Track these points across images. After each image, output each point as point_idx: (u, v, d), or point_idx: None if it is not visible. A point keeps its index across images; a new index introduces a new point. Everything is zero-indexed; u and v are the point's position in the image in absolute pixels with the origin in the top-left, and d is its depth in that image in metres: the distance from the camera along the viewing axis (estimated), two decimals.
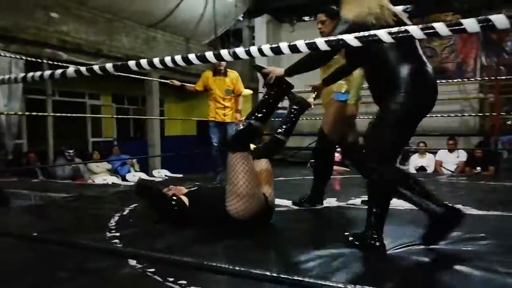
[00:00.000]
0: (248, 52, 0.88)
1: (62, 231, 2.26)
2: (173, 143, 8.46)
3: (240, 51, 0.89)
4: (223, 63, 4.20)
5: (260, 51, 0.88)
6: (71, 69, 1.09)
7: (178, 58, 1.00)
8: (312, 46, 0.84)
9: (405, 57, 1.76)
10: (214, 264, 0.85)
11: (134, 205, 2.92)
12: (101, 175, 6.03)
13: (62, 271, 1.62)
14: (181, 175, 5.81)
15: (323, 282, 0.67)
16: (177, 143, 8.43)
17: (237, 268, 0.78)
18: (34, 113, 3.67)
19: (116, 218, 2.51)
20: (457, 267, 1.60)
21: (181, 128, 10.04)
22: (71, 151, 5.72)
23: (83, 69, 1.04)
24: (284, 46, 0.86)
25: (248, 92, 5.86)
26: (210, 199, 2.25)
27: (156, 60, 0.99)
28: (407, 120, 1.82)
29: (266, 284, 1.36)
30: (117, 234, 2.16)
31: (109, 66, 1.02)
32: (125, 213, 2.68)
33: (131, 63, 1.01)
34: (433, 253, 1.78)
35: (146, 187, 2.36)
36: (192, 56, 0.94)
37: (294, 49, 0.87)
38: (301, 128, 9.79)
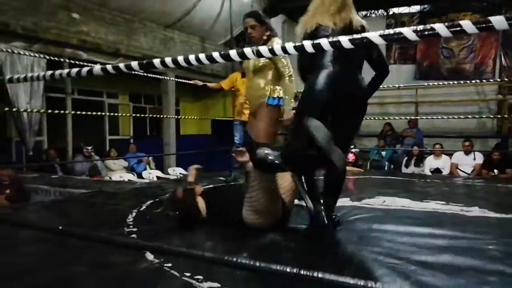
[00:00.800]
0: (271, 51, 0.90)
1: (82, 226, 2.32)
2: (188, 142, 8.54)
3: (263, 49, 0.91)
4: None
5: (284, 49, 0.90)
6: (97, 67, 1.13)
7: (191, 57, 1.03)
8: (335, 44, 0.86)
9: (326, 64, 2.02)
10: (232, 259, 0.88)
11: (151, 201, 2.98)
12: (118, 172, 6.14)
13: (81, 265, 1.66)
14: None
15: (342, 279, 0.69)
16: (192, 142, 8.51)
17: (256, 263, 0.81)
18: (56, 111, 3.77)
19: (134, 214, 2.56)
20: (474, 270, 1.59)
21: (196, 127, 10.12)
22: (89, 147, 5.84)
23: (109, 67, 1.09)
24: (308, 44, 0.88)
25: None
26: (226, 204, 2.27)
27: (168, 60, 1.02)
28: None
29: (282, 279, 1.40)
30: (135, 229, 2.22)
31: (121, 65, 1.06)
32: (142, 209, 2.73)
33: (134, 64, 1.04)
34: (448, 254, 1.78)
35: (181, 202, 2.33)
36: (202, 56, 0.97)
37: (317, 47, 0.89)
38: None
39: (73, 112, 4.86)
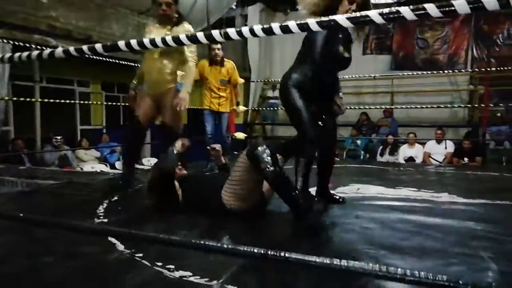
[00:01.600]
0: (239, 33, 0.87)
1: (50, 217, 2.24)
2: (164, 132, 8.39)
3: (231, 31, 0.87)
4: (220, 52, 4.18)
5: (252, 31, 0.86)
6: (59, 50, 1.06)
7: (168, 38, 0.98)
8: (303, 26, 0.83)
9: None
10: (199, 242, 0.85)
11: (123, 192, 2.91)
12: (90, 163, 5.98)
13: (50, 255, 1.62)
14: None
15: (309, 258, 0.68)
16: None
17: (223, 245, 0.78)
18: (22, 99, 3.61)
19: (105, 205, 2.50)
20: (442, 252, 1.63)
21: None
22: (58, 137, 5.64)
23: (71, 49, 1.02)
24: (275, 26, 0.85)
25: (240, 81, 5.84)
26: (202, 193, 2.26)
27: (133, 42, 0.96)
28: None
29: (254, 261, 1.39)
30: (105, 220, 2.16)
31: (98, 46, 1.00)
32: (113, 200, 2.67)
33: (104, 45, 0.99)
34: (417, 238, 1.81)
35: (168, 175, 2.31)
36: (183, 37, 0.92)
37: (286, 29, 0.86)
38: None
39: (40, 100, 4.68)
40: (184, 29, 2.94)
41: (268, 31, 0.89)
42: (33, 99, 5.04)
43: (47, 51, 1.11)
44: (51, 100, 3.92)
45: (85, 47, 1.01)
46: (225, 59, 4.31)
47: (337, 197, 2.53)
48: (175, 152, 2.43)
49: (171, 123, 2.97)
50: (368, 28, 2.17)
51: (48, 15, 5.62)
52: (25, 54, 1.17)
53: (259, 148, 1.99)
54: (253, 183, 2.10)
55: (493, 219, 2.15)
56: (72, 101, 5.41)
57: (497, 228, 1.96)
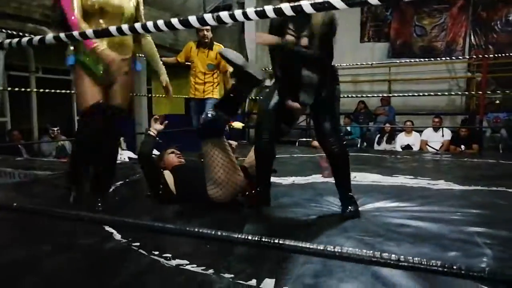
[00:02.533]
0: (232, 16, 0.84)
1: (48, 207, 2.24)
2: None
3: (224, 14, 0.85)
4: (209, 34, 3.85)
5: (245, 14, 0.84)
6: (49, 36, 1.04)
7: (160, 22, 0.96)
8: (297, 9, 0.81)
9: None
10: (194, 230, 0.85)
11: (120, 182, 2.91)
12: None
13: (47, 245, 1.63)
14: None
15: (303, 245, 0.68)
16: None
17: (217, 233, 0.79)
18: (17, 89, 3.58)
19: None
20: (437, 239, 1.64)
21: (170, 107, 9.92)
22: (55, 128, 5.61)
23: (62, 35, 1.00)
24: (269, 9, 0.83)
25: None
26: (193, 182, 2.25)
27: (125, 27, 0.94)
28: None
29: (250, 249, 1.40)
30: (101, 209, 2.16)
31: (89, 32, 0.98)
32: (110, 190, 2.66)
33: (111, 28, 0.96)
34: (413, 225, 1.82)
35: (147, 158, 2.34)
36: (175, 21, 0.90)
37: (279, 13, 0.84)
38: None
39: (36, 90, 4.63)
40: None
41: (262, 14, 0.87)
42: (28, 90, 4.99)
43: (38, 37, 1.09)
44: (47, 90, 3.88)
45: (75, 33, 0.99)
46: (215, 42, 3.97)
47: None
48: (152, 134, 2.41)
49: (122, 105, 2.37)
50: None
51: (41, 4, 5.54)
52: (15, 40, 1.15)
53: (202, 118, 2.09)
54: (226, 166, 2.08)
55: (488, 206, 2.16)
56: (69, 91, 5.36)
57: (492, 214, 1.98)
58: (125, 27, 0.94)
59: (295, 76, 1.96)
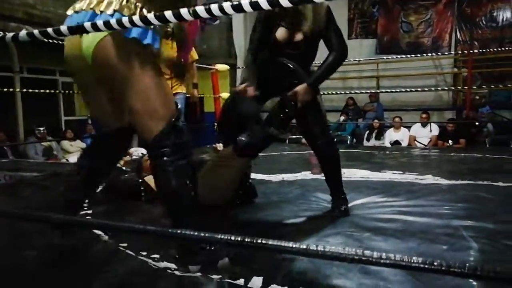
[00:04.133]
0: (208, 11, 0.82)
1: (33, 210, 2.21)
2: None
3: (200, 9, 0.82)
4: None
5: (221, 9, 0.82)
6: (23, 32, 1.02)
7: (135, 18, 0.93)
8: (273, 3, 0.77)
9: None
10: (177, 231, 0.84)
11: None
12: (75, 154, 5.88)
13: (33, 249, 1.60)
14: None
15: (285, 244, 0.68)
16: None
17: (201, 234, 0.78)
18: None
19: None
20: (424, 233, 1.66)
21: None
22: (41, 128, 5.53)
23: (36, 32, 0.98)
24: (245, 3, 0.80)
25: (225, 67, 5.78)
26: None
27: (113, 21, 0.92)
28: None
29: (235, 249, 1.39)
30: (89, 211, 2.14)
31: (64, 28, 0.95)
32: (98, 191, 2.63)
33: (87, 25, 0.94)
34: (401, 220, 1.84)
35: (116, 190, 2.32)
36: (150, 16, 0.88)
37: (256, 7, 0.80)
38: None
39: (19, 90, 4.54)
40: None
41: (256, 6, 0.82)
42: (11, 90, 4.88)
43: (10, 34, 1.07)
44: (30, 90, 3.81)
45: (50, 30, 0.97)
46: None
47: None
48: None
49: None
50: None
51: (24, 2, 5.44)
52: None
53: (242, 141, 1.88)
54: (236, 174, 2.05)
55: (474, 200, 2.19)
56: (54, 91, 5.28)
57: (478, 208, 2.00)
58: (113, 21, 0.92)
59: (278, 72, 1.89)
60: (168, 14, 0.84)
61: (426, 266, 0.60)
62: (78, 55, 1.38)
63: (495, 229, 1.70)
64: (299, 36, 1.87)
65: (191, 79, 3.73)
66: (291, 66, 1.90)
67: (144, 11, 1.28)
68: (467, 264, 0.55)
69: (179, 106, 1.40)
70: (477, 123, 6.14)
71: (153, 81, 1.32)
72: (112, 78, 1.33)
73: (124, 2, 1.28)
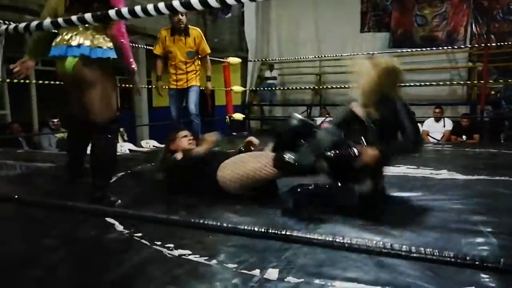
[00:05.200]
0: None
1: (49, 199, 2.24)
2: (161, 114, 8.35)
3: (194, 1, 0.81)
4: (183, 18, 3.42)
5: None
6: (47, 21, 1.02)
7: (137, 8, 0.92)
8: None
9: None
10: (198, 221, 0.84)
11: (121, 173, 2.90)
12: (88, 145, 5.94)
13: (50, 238, 1.61)
14: None
15: (310, 236, 0.67)
16: (165, 114, 8.32)
17: (223, 225, 0.77)
18: (15, 81, 3.55)
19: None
20: (442, 228, 1.63)
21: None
22: (55, 120, 5.59)
23: (60, 20, 0.98)
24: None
25: (236, 60, 5.76)
26: (204, 168, 2.24)
27: (112, 12, 0.92)
28: None
29: (250, 241, 1.39)
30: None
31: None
32: (112, 181, 2.65)
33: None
34: (418, 214, 1.82)
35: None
36: (150, 7, 0.87)
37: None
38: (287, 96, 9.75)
39: (35, 82, 4.59)
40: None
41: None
42: (27, 81, 4.94)
43: (35, 22, 1.07)
44: (46, 82, 3.84)
45: (60, 20, 0.97)
46: (190, 26, 3.55)
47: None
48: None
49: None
50: None
51: None
52: (11, 26, 1.14)
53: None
54: (258, 167, 2.06)
55: (491, 195, 2.15)
56: None
57: (496, 203, 1.97)
58: (112, 12, 0.92)
59: None
60: (161, 6, 0.83)
61: (452, 259, 0.59)
62: (64, 71, 1.96)
63: None
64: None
65: (206, 72, 3.80)
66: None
67: (100, 38, 1.93)
68: (502, 259, 0.53)
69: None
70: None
71: (106, 86, 1.99)
72: (82, 85, 1.97)
73: (86, 37, 1.92)
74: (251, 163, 2.08)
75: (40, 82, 3.96)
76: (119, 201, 2.07)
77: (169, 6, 0.84)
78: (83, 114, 2.04)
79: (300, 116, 2.17)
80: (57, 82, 4.17)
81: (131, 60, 2.00)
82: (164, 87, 3.75)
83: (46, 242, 1.57)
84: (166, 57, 3.63)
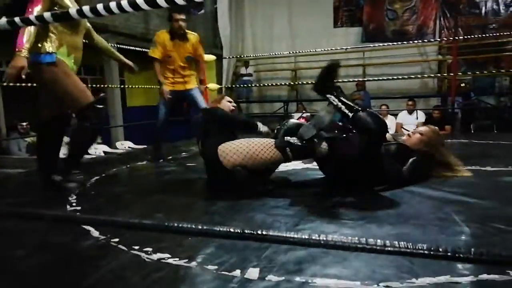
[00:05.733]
0: None
1: (19, 207, 2.15)
2: (136, 114, 8.20)
3: None
4: (184, 24, 3.54)
5: None
6: (2, 20, 0.97)
7: (124, 3, 0.89)
8: None
9: None
10: (174, 225, 0.82)
11: (96, 178, 2.83)
12: (61, 149, 5.77)
13: (22, 248, 1.55)
14: (145, 146, 5.68)
15: (286, 235, 0.67)
16: (139, 114, 8.17)
17: (200, 227, 0.76)
18: None
19: (77, 191, 2.42)
20: (416, 219, 1.67)
21: (144, 99, 9.71)
22: (24, 123, 5.39)
23: (17, 19, 0.93)
24: None
25: (211, 58, 5.70)
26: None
27: (86, 8, 0.88)
28: None
29: (230, 242, 1.38)
30: (78, 207, 2.09)
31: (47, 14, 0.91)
32: (87, 186, 2.59)
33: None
34: (393, 206, 1.85)
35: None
36: (140, 1, 0.84)
37: None
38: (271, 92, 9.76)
39: None
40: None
41: None
42: None
43: None
44: (11, 84, 3.69)
45: (32, 17, 0.93)
46: (187, 31, 3.62)
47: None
48: None
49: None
50: None
51: None
52: None
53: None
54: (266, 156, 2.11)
55: (464, 184, 2.22)
56: (36, 85, 5.13)
57: (468, 193, 2.03)
58: (86, 8, 0.88)
59: None
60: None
61: (426, 252, 0.60)
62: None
63: (484, 212, 1.72)
64: None
65: (199, 75, 3.92)
66: None
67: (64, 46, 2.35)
68: (472, 249, 0.54)
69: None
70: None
71: (66, 81, 2.32)
72: (45, 85, 2.37)
73: (49, 44, 2.29)
74: (253, 143, 2.13)
75: (5, 84, 3.80)
76: (76, 188, 2.41)
77: (133, 4, 0.81)
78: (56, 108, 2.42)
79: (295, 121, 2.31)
80: (23, 84, 4.03)
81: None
82: (167, 90, 3.64)
83: (18, 253, 1.51)
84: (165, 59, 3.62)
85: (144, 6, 0.81)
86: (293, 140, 2.07)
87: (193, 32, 3.73)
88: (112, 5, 0.85)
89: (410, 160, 2.22)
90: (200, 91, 3.80)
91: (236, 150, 2.12)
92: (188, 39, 3.61)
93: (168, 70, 3.62)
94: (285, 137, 2.11)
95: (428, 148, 2.36)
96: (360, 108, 1.99)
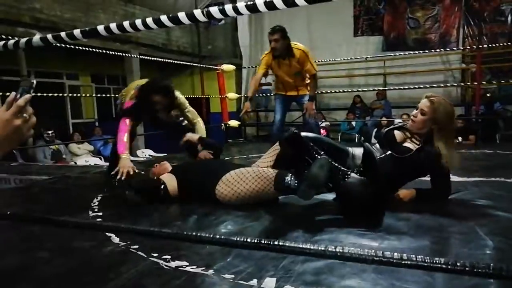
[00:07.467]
0: (222, 11, 0.83)
1: (43, 213, 2.22)
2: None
3: (214, 10, 0.83)
4: (278, 44, 3.39)
5: (235, 9, 0.82)
6: (36, 37, 1.02)
7: (149, 20, 0.93)
8: (288, 2, 0.79)
9: None
10: (192, 233, 0.83)
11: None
12: (83, 156, 5.92)
13: (44, 251, 1.60)
14: (165, 154, 5.76)
15: (303, 245, 0.67)
16: None
17: (216, 236, 0.77)
18: (8, 94, 3.53)
19: (99, 198, 2.47)
20: (438, 231, 1.63)
21: None
22: (50, 132, 5.57)
23: (49, 36, 0.98)
24: (260, 3, 0.81)
25: (230, 67, 5.78)
26: (198, 182, 2.23)
27: (113, 25, 0.92)
28: None
29: (247, 251, 1.38)
30: (100, 213, 2.14)
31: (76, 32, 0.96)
32: (108, 193, 2.64)
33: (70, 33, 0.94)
34: (414, 218, 1.81)
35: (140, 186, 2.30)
36: (164, 18, 0.88)
37: (271, 6, 0.82)
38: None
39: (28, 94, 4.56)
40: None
41: (252, 9, 0.84)
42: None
43: (24, 39, 1.07)
44: (39, 94, 3.84)
45: (63, 34, 0.97)
46: (293, 45, 3.55)
47: None
48: None
49: None
50: None
51: (31, 7, 5.49)
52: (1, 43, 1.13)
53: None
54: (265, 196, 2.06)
55: (488, 196, 2.15)
56: (61, 95, 5.32)
57: (492, 205, 1.97)
58: (113, 25, 0.92)
59: None
60: (182, 15, 0.83)
61: (443, 266, 0.59)
62: None
63: (509, 225, 1.67)
64: None
65: (309, 91, 3.70)
66: None
67: None
68: (491, 264, 0.53)
69: None
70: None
71: None
72: None
73: None
74: (251, 183, 2.04)
75: (33, 94, 3.94)
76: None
77: (157, 21, 0.84)
78: None
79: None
80: (50, 94, 4.17)
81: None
82: (249, 110, 3.68)
83: (41, 256, 1.56)
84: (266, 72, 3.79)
85: (168, 23, 0.84)
86: (294, 185, 1.90)
87: (300, 46, 3.54)
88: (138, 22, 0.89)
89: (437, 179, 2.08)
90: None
91: (234, 191, 2.08)
92: (293, 55, 3.44)
93: (278, 82, 3.74)
94: (286, 176, 1.93)
95: (438, 124, 2.19)
96: (347, 173, 1.89)
